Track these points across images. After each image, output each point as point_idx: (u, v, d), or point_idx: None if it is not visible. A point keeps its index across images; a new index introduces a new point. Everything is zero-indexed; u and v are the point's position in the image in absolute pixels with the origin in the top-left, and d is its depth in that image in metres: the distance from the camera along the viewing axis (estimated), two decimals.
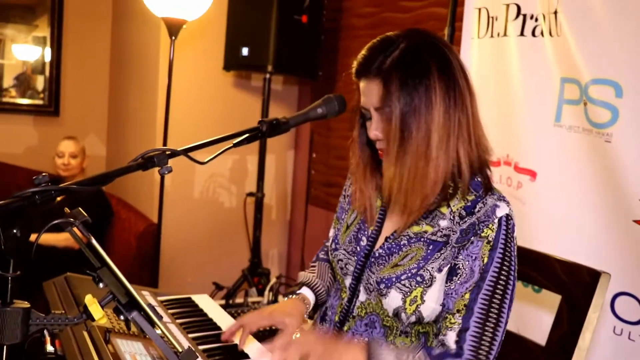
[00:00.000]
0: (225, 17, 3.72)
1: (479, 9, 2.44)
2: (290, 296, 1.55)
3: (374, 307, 1.38)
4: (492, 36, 2.39)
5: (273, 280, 3.83)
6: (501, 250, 1.26)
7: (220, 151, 1.25)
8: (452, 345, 1.25)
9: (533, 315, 2.19)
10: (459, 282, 1.27)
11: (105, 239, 3.77)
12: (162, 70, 3.76)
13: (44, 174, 1.02)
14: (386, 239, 1.39)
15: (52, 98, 4.65)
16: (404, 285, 1.30)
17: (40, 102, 4.65)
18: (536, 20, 2.20)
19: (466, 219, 1.30)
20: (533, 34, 2.21)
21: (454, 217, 1.31)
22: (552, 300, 1.56)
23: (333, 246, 1.51)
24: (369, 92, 1.30)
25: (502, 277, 1.26)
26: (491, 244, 1.26)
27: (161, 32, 3.71)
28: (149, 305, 1.01)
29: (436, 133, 1.25)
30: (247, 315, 1.45)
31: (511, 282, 1.27)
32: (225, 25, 3.73)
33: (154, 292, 1.88)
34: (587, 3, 2.00)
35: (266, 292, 3.74)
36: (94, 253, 1.05)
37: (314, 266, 1.66)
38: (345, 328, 1.43)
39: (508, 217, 1.28)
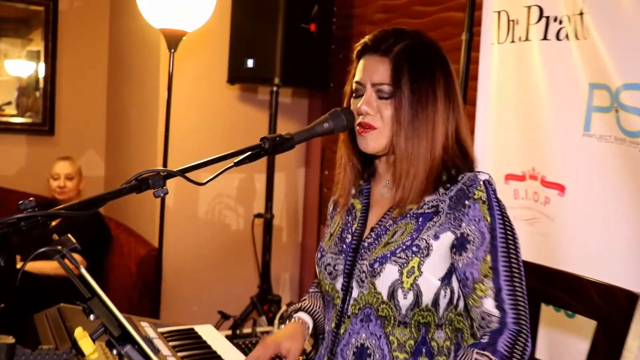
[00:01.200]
0: (228, 27, 3.74)
1: (498, 13, 2.44)
2: (288, 321, 1.63)
3: (367, 298, 1.43)
4: (513, 41, 2.38)
5: (284, 307, 3.80)
6: (497, 208, 1.38)
7: (220, 171, 1.26)
8: (494, 311, 1.34)
9: (566, 343, 2.16)
10: (474, 247, 1.36)
11: (103, 266, 3.78)
12: (162, 85, 3.79)
13: (30, 198, 1.02)
14: (372, 229, 1.49)
15: (46, 116, 4.69)
16: (399, 257, 1.39)
17: (34, 120, 4.68)
18: (560, 22, 2.19)
19: (451, 188, 1.42)
20: (557, 37, 2.20)
21: (438, 191, 1.43)
22: (586, 326, 1.54)
23: (319, 256, 1.57)
24: (372, 68, 1.43)
25: (509, 233, 1.38)
26: (487, 203, 1.38)
27: (160, 45, 3.74)
28: (145, 338, 1.00)
29: (440, 124, 1.42)
30: (254, 351, 1.49)
31: (517, 240, 1.39)
32: (228, 35, 3.75)
33: (154, 322, 1.87)
34: (616, 2, 1.98)
35: (276, 321, 3.72)
36: (84, 283, 1.04)
37: (304, 299, 1.73)
38: (342, 331, 1.47)
39: (489, 182, 1.41)
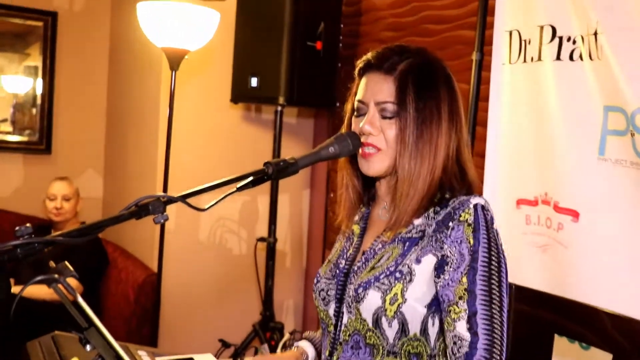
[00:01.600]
0: (231, 45, 3.77)
1: (510, 32, 2.46)
2: (289, 349, 1.63)
3: (355, 324, 1.42)
4: (525, 61, 2.40)
5: (287, 335, 3.79)
6: (484, 233, 1.36)
7: (222, 196, 1.27)
8: (465, 334, 1.30)
9: None
10: (452, 269, 1.35)
11: (99, 291, 3.78)
12: (163, 104, 3.81)
13: (27, 224, 1.03)
14: (363, 252, 1.50)
15: (43, 134, 4.68)
16: (382, 283, 1.38)
17: (30, 138, 4.69)
18: (574, 42, 2.21)
19: (440, 212, 1.41)
20: (571, 57, 2.22)
21: (428, 214, 1.43)
22: (602, 358, 1.53)
23: (315, 281, 1.59)
24: (375, 86, 1.44)
25: (493, 258, 1.35)
26: (472, 226, 1.36)
27: (162, 63, 3.77)
28: None
29: (442, 144, 1.42)
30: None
31: (503, 266, 1.37)
32: (232, 53, 3.78)
33: (152, 351, 1.86)
34: (631, 22, 2.00)
35: (279, 350, 3.71)
36: (81, 311, 1.04)
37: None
38: (334, 359, 1.47)
39: (483, 207, 1.39)
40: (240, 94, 3.77)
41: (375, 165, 1.45)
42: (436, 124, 1.42)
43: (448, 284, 1.34)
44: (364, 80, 1.48)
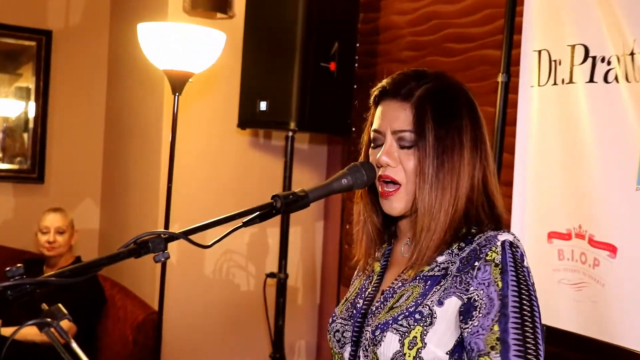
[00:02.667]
0: (239, 67, 3.80)
1: (539, 52, 2.47)
2: None
3: None
4: (555, 83, 2.41)
5: None
6: (513, 273, 1.35)
7: (228, 232, 1.28)
8: None
9: None
10: (481, 315, 1.33)
11: (95, 331, 3.79)
12: (166, 130, 3.84)
13: (18, 265, 1.05)
14: (382, 292, 1.50)
15: (35, 161, 4.68)
16: (400, 325, 1.37)
17: (21, 166, 4.69)
18: (609, 63, 2.22)
19: (465, 248, 1.42)
20: (605, 79, 2.23)
21: (452, 250, 1.43)
22: None
23: (330, 321, 1.58)
24: (391, 115, 1.45)
25: (524, 302, 1.34)
26: (500, 267, 1.36)
27: (165, 86, 3.81)
28: None
29: (465, 175, 1.43)
30: None
31: (536, 309, 1.35)
32: (239, 75, 3.81)
33: None
34: None
35: None
36: (73, 356, 1.05)
37: None
38: None
39: (512, 243, 1.39)
40: (248, 118, 3.79)
41: (396, 204, 1.45)
42: (458, 153, 1.42)
43: (477, 331, 1.33)
44: (379, 108, 1.49)
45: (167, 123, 3.84)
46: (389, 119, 1.45)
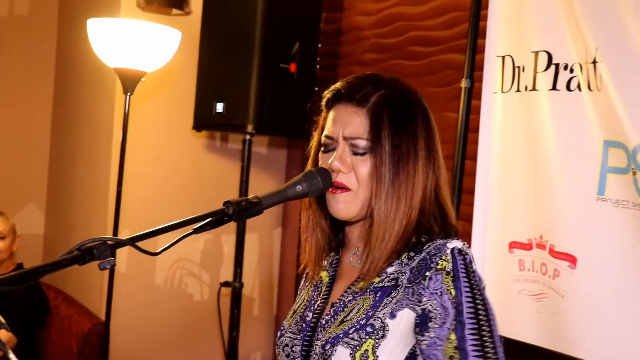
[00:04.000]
0: (195, 67, 3.80)
1: (503, 57, 2.52)
2: None
3: None
4: (518, 90, 2.46)
5: None
6: (465, 280, 1.38)
7: (177, 239, 1.30)
8: None
9: None
10: (436, 326, 1.36)
11: (38, 343, 3.75)
12: (117, 131, 3.83)
13: None
14: (332, 304, 1.51)
15: None
16: (351, 338, 1.39)
17: None
18: (571, 71, 2.28)
19: (414, 258, 1.43)
20: (568, 87, 2.28)
21: (401, 260, 1.45)
22: None
23: (278, 335, 1.60)
24: (345, 120, 1.46)
25: (479, 307, 1.37)
26: (451, 274, 1.38)
27: (116, 85, 3.80)
28: None
29: (419, 184, 1.45)
30: None
31: (491, 315, 1.39)
32: (195, 76, 3.81)
33: None
34: (633, 51, 2.07)
35: None
36: None
37: None
38: None
39: (460, 250, 1.42)
40: (204, 120, 3.79)
41: (343, 207, 1.46)
42: (413, 161, 1.44)
43: (435, 342, 1.36)
44: (332, 112, 1.50)
45: (117, 124, 3.82)
46: (342, 124, 1.46)
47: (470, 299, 1.37)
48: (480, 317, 1.36)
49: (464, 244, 1.44)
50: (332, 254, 1.62)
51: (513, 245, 2.45)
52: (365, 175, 1.44)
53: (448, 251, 1.41)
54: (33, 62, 4.82)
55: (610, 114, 2.12)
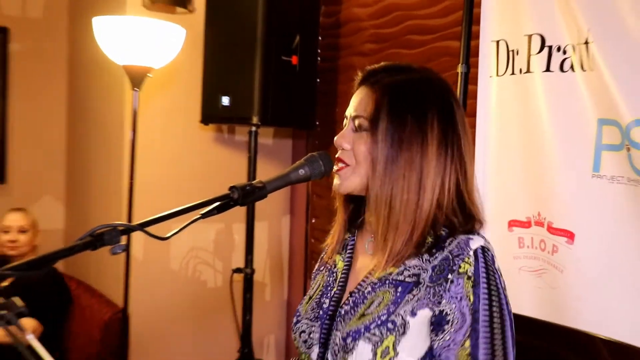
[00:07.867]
0: (200, 62, 3.79)
1: (497, 42, 2.51)
2: None
3: None
4: (513, 73, 2.45)
5: None
6: (485, 286, 1.36)
7: (186, 224, 1.29)
8: None
9: None
10: (453, 330, 1.35)
11: (62, 333, 3.76)
12: (127, 126, 3.82)
13: None
14: (350, 293, 1.48)
15: None
16: (373, 334, 1.37)
17: None
18: (564, 52, 2.26)
19: (436, 255, 1.40)
20: (561, 68, 2.26)
21: (421, 255, 1.41)
22: None
23: (294, 321, 1.57)
24: (357, 100, 1.48)
25: (494, 315, 1.35)
26: (472, 279, 1.36)
27: (125, 82, 3.78)
28: None
29: (430, 173, 1.40)
30: None
31: (506, 319, 1.37)
32: (201, 71, 3.80)
33: None
34: (624, 31, 2.04)
35: None
36: (35, 355, 1.05)
37: None
38: None
39: (484, 248, 1.39)
40: (210, 114, 3.78)
41: (341, 182, 1.45)
42: (417, 149, 1.39)
43: (449, 345, 1.35)
44: (355, 94, 1.51)
45: (128, 119, 3.82)
46: (355, 104, 1.48)
47: (487, 307, 1.35)
48: (495, 327, 1.35)
49: (485, 240, 1.41)
50: (348, 235, 1.60)
51: (512, 223, 2.43)
52: (361, 152, 1.43)
53: (471, 252, 1.37)
54: (46, 60, 4.81)
55: (603, 93, 2.10)
